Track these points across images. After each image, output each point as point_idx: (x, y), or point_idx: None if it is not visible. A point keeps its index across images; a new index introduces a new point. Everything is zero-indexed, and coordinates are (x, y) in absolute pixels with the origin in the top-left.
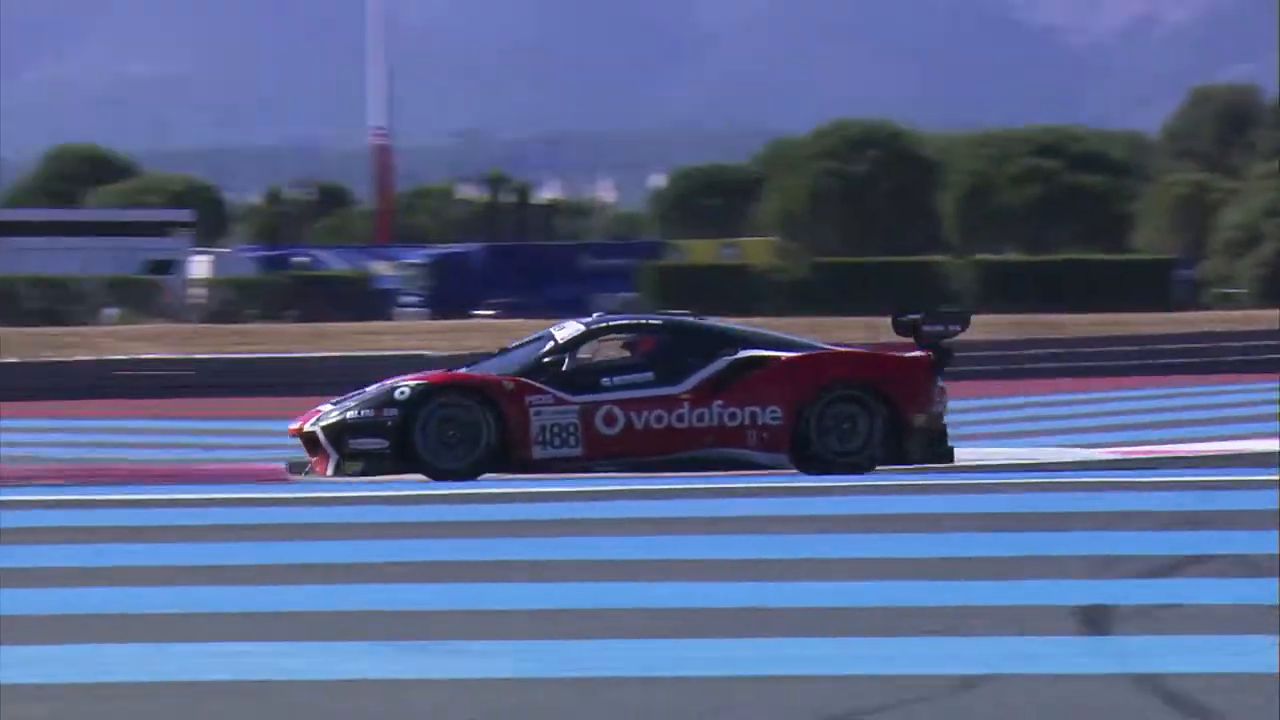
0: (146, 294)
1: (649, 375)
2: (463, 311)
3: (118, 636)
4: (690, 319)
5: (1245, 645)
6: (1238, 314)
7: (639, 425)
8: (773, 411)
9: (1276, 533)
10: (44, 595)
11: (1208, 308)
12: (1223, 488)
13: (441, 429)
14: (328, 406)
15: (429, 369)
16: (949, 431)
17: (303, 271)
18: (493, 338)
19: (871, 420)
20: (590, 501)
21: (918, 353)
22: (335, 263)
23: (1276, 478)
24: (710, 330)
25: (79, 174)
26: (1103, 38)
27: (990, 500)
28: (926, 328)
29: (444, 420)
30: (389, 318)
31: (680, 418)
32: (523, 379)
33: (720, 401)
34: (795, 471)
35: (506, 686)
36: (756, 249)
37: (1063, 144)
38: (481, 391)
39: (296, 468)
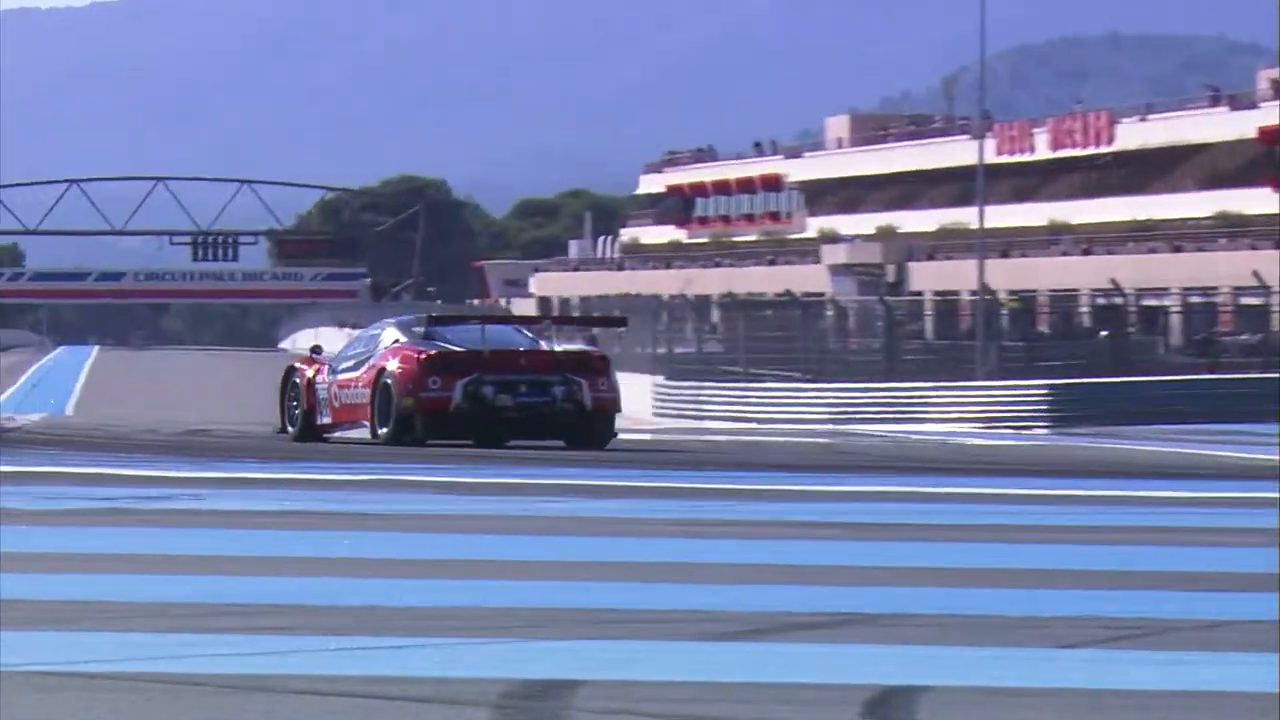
0: None
1: (359, 360)
2: None
3: None
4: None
5: None
6: None
7: (347, 401)
8: (365, 393)
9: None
10: None
11: None
12: None
13: (290, 400)
14: None
15: None
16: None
17: None
18: None
19: (390, 401)
20: None
21: (425, 349)
22: None
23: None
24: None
25: None
26: None
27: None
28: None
29: (290, 393)
30: None
31: (357, 395)
32: (324, 362)
33: (364, 383)
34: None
35: None
36: None
37: None
38: (302, 372)
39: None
